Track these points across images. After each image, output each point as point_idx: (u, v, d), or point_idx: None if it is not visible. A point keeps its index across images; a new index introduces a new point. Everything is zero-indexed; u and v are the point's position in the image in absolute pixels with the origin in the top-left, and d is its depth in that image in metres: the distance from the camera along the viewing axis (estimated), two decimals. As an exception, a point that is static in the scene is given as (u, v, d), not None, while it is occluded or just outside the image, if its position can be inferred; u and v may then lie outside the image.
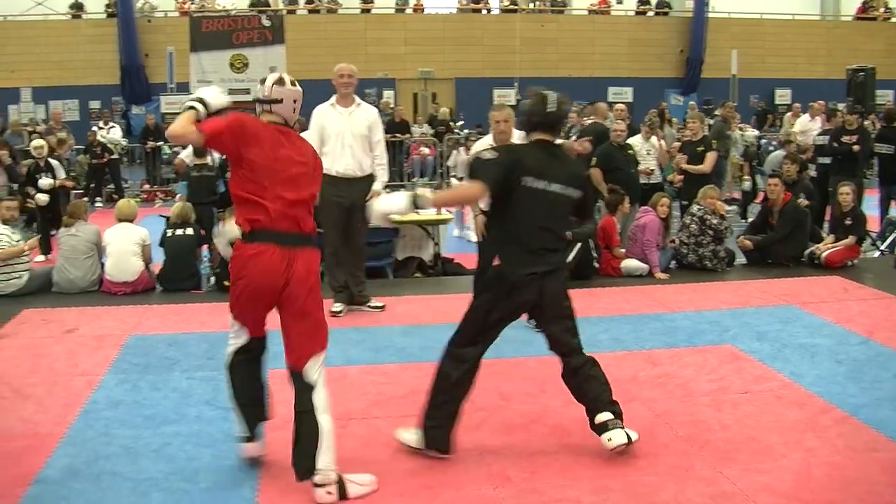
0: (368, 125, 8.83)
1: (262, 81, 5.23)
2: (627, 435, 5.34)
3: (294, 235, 4.94)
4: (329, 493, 4.88)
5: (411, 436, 5.50)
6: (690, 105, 25.03)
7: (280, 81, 5.18)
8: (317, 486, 4.88)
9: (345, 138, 8.70)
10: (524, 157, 5.23)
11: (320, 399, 4.96)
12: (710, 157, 12.12)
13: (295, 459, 4.94)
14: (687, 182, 12.04)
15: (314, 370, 5.01)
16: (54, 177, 13.01)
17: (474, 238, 8.44)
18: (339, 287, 9.01)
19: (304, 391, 4.97)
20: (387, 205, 5.31)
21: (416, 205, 5.21)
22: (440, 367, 5.44)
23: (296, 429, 4.96)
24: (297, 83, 5.25)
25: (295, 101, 5.20)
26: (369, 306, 9.11)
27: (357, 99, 8.93)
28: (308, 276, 4.98)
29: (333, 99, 8.86)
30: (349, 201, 8.73)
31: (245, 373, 5.28)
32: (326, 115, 8.79)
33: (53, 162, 13.37)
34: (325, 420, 4.91)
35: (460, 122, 23.58)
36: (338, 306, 8.94)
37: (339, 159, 8.69)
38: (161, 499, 4.93)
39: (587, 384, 5.51)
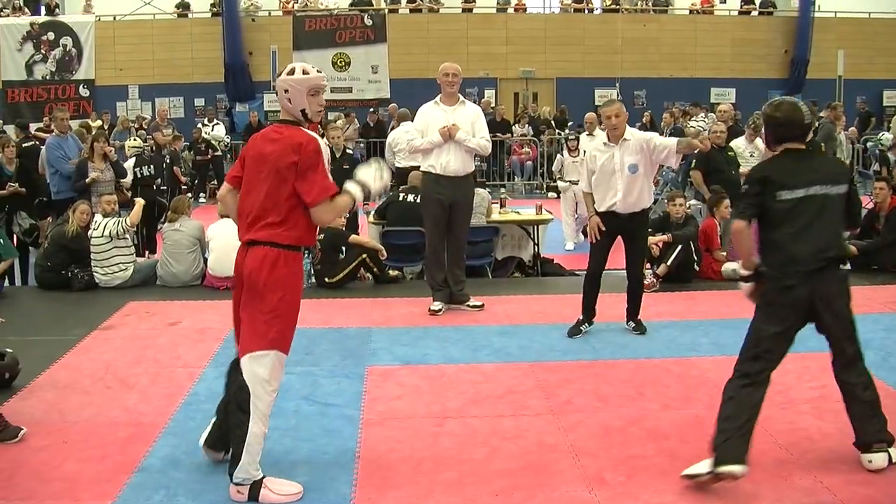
0: (471, 122, 8.83)
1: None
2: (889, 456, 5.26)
3: (250, 240, 5.01)
4: (239, 492, 4.86)
5: (702, 467, 5.11)
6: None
7: (280, 72, 5.16)
8: (233, 483, 4.88)
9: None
10: (772, 174, 5.22)
11: (256, 405, 4.84)
12: None
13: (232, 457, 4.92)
14: None
15: (248, 369, 4.89)
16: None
17: (585, 239, 8.44)
18: (437, 286, 9.03)
19: (240, 390, 4.90)
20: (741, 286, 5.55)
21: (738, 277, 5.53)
22: (724, 389, 5.26)
23: (229, 421, 4.96)
24: (298, 71, 5.06)
25: (287, 92, 5.03)
26: (468, 305, 9.11)
27: (461, 98, 8.97)
28: (252, 269, 4.96)
29: (438, 98, 8.92)
30: (450, 199, 8.76)
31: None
32: (430, 114, 8.84)
33: (128, 164, 13.63)
34: (256, 428, 4.83)
35: (570, 123, 23.46)
36: (437, 305, 8.96)
37: (443, 157, 8.73)
38: (259, 491, 4.99)
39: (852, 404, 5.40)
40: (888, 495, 4.94)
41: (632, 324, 8.30)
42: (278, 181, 4.89)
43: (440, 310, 8.94)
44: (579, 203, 12.89)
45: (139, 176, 12.73)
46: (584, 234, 9.46)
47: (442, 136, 8.61)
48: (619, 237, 8.13)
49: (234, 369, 5.08)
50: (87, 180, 11.40)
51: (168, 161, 16.16)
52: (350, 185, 5.06)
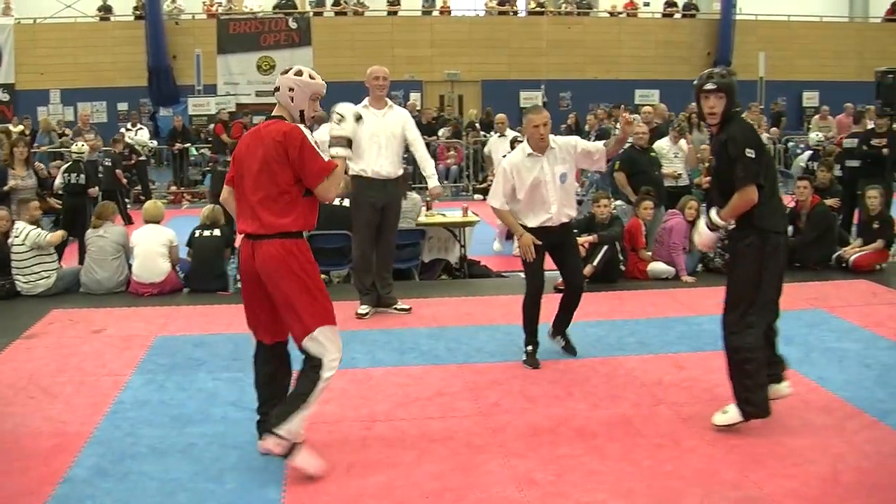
0: (402, 125, 8.87)
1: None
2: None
3: (254, 233, 5.13)
4: (279, 444, 5.03)
5: (726, 415, 5.88)
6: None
7: (285, 71, 5.38)
8: (273, 433, 5.02)
9: (380, 140, 8.70)
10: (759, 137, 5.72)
11: (325, 374, 5.08)
12: None
13: (276, 410, 5.10)
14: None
15: (314, 348, 5.08)
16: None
17: (516, 253, 7.74)
18: (365, 289, 9.01)
19: (308, 364, 5.11)
20: (705, 235, 5.93)
21: (711, 226, 5.79)
22: (728, 345, 5.87)
23: (294, 386, 5.18)
24: (305, 75, 5.34)
25: (291, 91, 5.24)
26: (396, 308, 9.10)
27: (389, 101, 8.96)
28: (267, 265, 5.08)
29: (366, 101, 8.85)
30: (382, 202, 8.76)
31: (258, 374, 5.50)
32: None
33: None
34: (319, 389, 5.07)
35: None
36: (364, 308, 8.95)
37: (375, 161, 8.70)
38: (187, 499, 4.94)
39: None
40: (811, 487, 5.03)
41: (562, 341, 7.77)
42: (271, 172, 5.06)
43: (367, 313, 8.93)
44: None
45: (68, 183, 12.51)
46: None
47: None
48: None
49: (262, 360, 5.44)
50: (6, 188, 11.21)
51: (110, 163, 16.14)
52: (333, 150, 5.23)
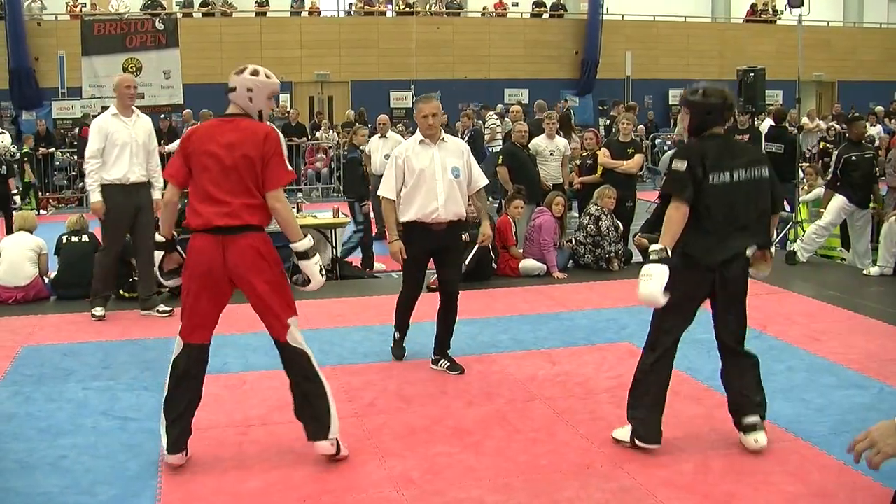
0: (148, 134, 9.23)
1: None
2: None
3: (226, 226, 5.08)
4: (332, 445, 5.32)
5: (623, 430, 5.64)
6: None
7: (240, 70, 5.36)
8: (328, 440, 5.30)
9: (132, 147, 8.99)
10: (707, 152, 5.30)
11: (315, 364, 5.30)
12: (638, 158, 12.19)
13: (308, 424, 5.32)
14: (611, 181, 11.85)
15: (294, 339, 5.27)
16: None
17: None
18: (105, 294, 9.30)
19: (294, 358, 5.30)
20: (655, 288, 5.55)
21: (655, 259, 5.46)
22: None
23: (305, 392, 5.31)
24: (262, 74, 5.42)
25: (250, 91, 5.26)
26: (158, 311, 9.27)
27: (136, 110, 9.29)
28: (245, 258, 5.12)
29: (115, 109, 9.13)
30: (137, 206, 9.06)
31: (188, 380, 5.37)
32: (111, 125, 9.02)
33: None
34: (328, 384, 5.35)
35: (369, 125, 23.40)
36: (100, 311, 9.12)
37: (130, 167, 8.99)
38: (57, 512, 4.84)
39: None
40: (683, 475, 5.15)
41: (444, 363, 7.30)
42: (250, 167, 5.08)
43: (104, 315, 9.09)
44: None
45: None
46: None
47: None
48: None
49: (197, 362, 5.46)
50: None
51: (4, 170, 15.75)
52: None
